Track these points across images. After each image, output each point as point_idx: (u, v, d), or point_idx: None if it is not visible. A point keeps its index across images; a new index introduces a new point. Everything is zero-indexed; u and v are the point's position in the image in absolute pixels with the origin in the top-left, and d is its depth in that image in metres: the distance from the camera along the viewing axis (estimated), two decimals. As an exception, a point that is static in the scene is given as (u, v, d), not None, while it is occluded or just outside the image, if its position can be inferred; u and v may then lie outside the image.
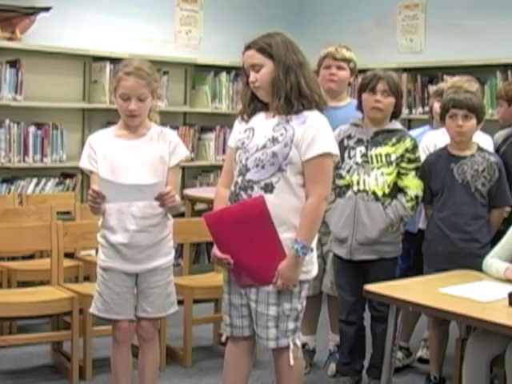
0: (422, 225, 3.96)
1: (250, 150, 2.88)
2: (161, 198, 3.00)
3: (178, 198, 3.11)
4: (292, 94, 2.83)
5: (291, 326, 2.89)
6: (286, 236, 2.82)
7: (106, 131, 3.24)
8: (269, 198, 2.79)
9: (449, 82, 4.21)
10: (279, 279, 2.81)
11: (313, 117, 2.84)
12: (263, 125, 2.90)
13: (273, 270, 2.82)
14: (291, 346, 2.90)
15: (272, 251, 2.82)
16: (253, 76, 2.87)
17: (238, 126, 3.02)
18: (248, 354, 3.03)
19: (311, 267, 2.92)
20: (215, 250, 2.91)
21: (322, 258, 3.84)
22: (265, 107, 2.94)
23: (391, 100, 3.53)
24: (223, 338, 3.16)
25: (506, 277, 3.12)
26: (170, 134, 3.24)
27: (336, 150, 2.90)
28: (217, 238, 2.91)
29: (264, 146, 2.84)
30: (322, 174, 2.84)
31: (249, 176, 2.85)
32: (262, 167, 2.82)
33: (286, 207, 2.82)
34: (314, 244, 2.91)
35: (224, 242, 2.89)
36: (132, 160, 3.09)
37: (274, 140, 2.83)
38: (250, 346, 3.02)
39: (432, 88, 5.67)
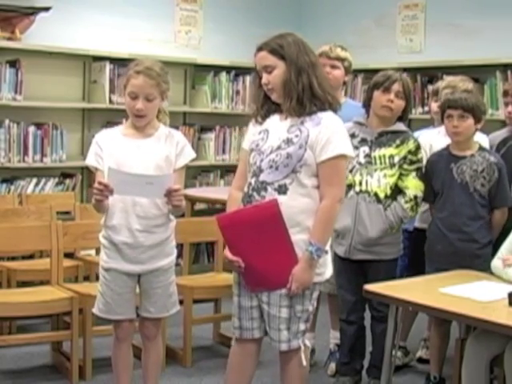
0: (417, 223, 3.96)
1: (264, 151, 2.86)
2: (169, 194, 2.98)
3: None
4: (304, 95, 2.81)
5: (302, 327, 2.89)
6: (298, 237, 2.81)
7: (113, 130, 3.24)
8: (282, 200, 2.78)
9: (443, 81, 4.22)
10: (294, 283, 2.79)
11: (327, 118, 2.83)
12: (277, 126, 2.88)
13: (285, 274, 2.80)
14: (302, 347, 2.90)
15: (284, 255, 2.81)
16: (265, 78, 2.85)
17: (253, 129, 3.00)
18: (254, 356, 3.02)
19: (324, 269, 2.91)
20: (226, 252, 2.89)
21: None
22: (278, 109, 2.92)
23: (402, 103, 3.53)
24: (233, 343, 3.12)
25: None
26: (178, 135, 3.23)
27: (351, 152, 2.88)
28: (229, 240, 2.90)
29: (278, 148, 2.83)
30: (336, 175, 2.82)
31: (262, 177, 2.83)
32: (276, 168, 2.81)
33: (299, 209, 2.80)
34: (327, 246, 2.89)
35: (236, 244, 2.87)
36: (137, 159, 3.08)
37: (289, 141, 2.82)
38: (256, 349, 3.01)
39: (432, 88, 5.67)
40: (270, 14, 6.82)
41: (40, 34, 5.52)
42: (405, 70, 5.99)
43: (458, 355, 3.21)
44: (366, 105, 3.62)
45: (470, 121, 3.51)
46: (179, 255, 5.44)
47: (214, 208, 5.87)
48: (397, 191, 3.54)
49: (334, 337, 4.06)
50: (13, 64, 5.36)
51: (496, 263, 3.29)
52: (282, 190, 2.80)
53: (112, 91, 5.75)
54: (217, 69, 6.43)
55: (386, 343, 3.19)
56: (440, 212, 3.60)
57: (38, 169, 5.54)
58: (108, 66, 5.74)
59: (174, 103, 6.25)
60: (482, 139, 3.80)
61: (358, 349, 3.73)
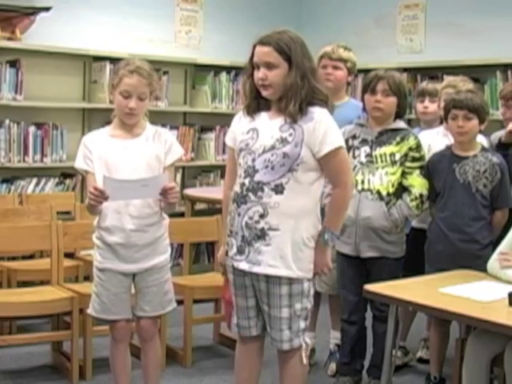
0: (415, 223, 3.96)
1: (255, 151, 2.84)
2: (165, 193, 3.00)
3: None
4: (306, 100, 2.80)
5: (302, 325, 2.91)
6: (297, 236, 2.82)
7: (100, 131, 3.24)
8: (279, 199, 2.79)
9: (444, 81, 4.21)
10: (317, 268, 2.89)
11: (319, 113, 2.81)
12: (267, 125, 2.86)
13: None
14: (303, 345, 2.92)
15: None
16: (263, 73, 2.80)
17: (238, 123, 2.97)
18: (258, 352, 3.04)
19: None
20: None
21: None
22: (266, 106, 2.89)
23: (392, 100, 3.52)
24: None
25: None
26: (165, 133, 3.25)
27: (344, 143, 2.92)
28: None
29: (273, 147, 2.81)
30: (341, 164, 2.85)
31: (258, 177, 2.82)
32: (272, 168, 2.80)
33: (296, 208, 2.81)
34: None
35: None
36: (127, 160, 3.09)
37: (283, 140, 2.80)
38: (258, 346, 3.02)
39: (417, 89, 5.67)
40: (270, 14, 6.82)
41: (40, 34, 5.52)
42: (405, 69, 6.02)
43: (458, 355, 3.20)
44: (364, 108, 3.62)
45: (475, 121, 3.51)
46: (179, 255, 5.49)
47: (214, 208, 5.86)
48: (400, 190, 3.54)
49: (335, 337, 4.06)
50: (13, 64, 5.36)
51: (493, 264, 3.28)
52: (279, 189, 2.79)
53: (112, 91, 5.75)
54: (217, 69, 6.42)
55: (386, 343, 3.19)
56: (441, 212, 3.59)
57: (38, 169, 5.54)
58: (108, 66, 5.73)
59: (174, 103, 6.25)
60: (482, 141, 3.80)
61: (358, 349, 3.73)
